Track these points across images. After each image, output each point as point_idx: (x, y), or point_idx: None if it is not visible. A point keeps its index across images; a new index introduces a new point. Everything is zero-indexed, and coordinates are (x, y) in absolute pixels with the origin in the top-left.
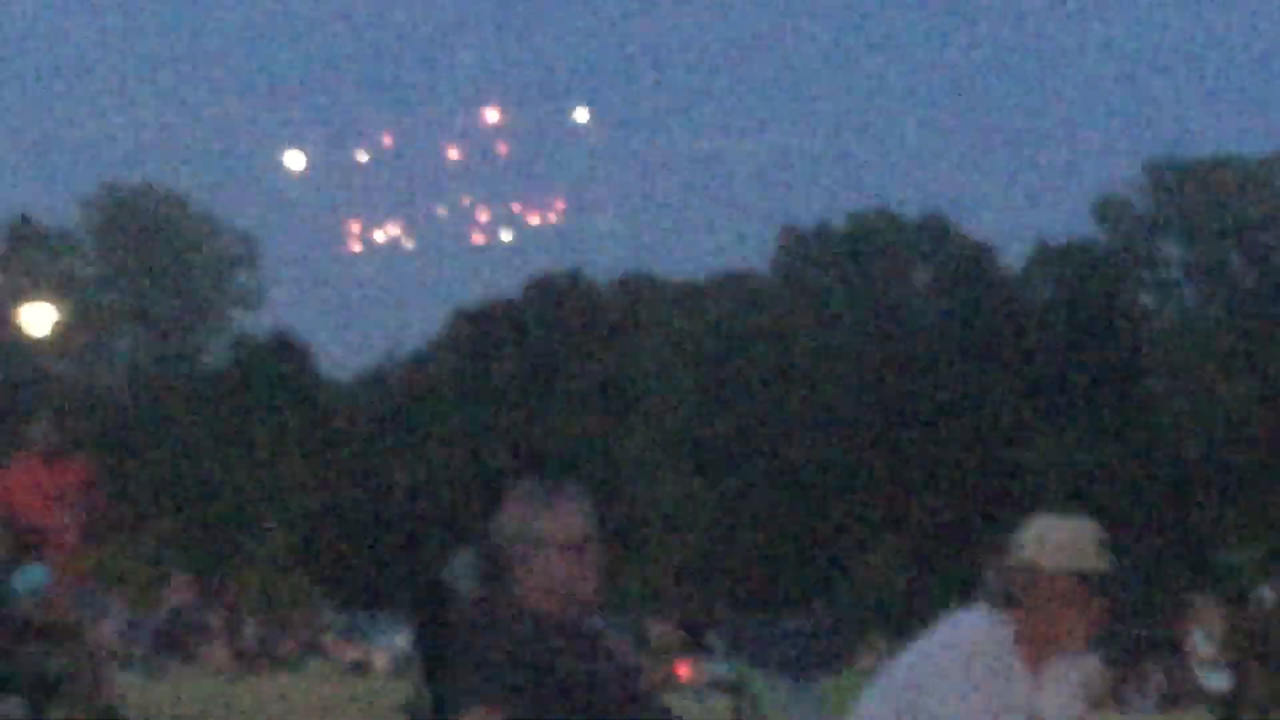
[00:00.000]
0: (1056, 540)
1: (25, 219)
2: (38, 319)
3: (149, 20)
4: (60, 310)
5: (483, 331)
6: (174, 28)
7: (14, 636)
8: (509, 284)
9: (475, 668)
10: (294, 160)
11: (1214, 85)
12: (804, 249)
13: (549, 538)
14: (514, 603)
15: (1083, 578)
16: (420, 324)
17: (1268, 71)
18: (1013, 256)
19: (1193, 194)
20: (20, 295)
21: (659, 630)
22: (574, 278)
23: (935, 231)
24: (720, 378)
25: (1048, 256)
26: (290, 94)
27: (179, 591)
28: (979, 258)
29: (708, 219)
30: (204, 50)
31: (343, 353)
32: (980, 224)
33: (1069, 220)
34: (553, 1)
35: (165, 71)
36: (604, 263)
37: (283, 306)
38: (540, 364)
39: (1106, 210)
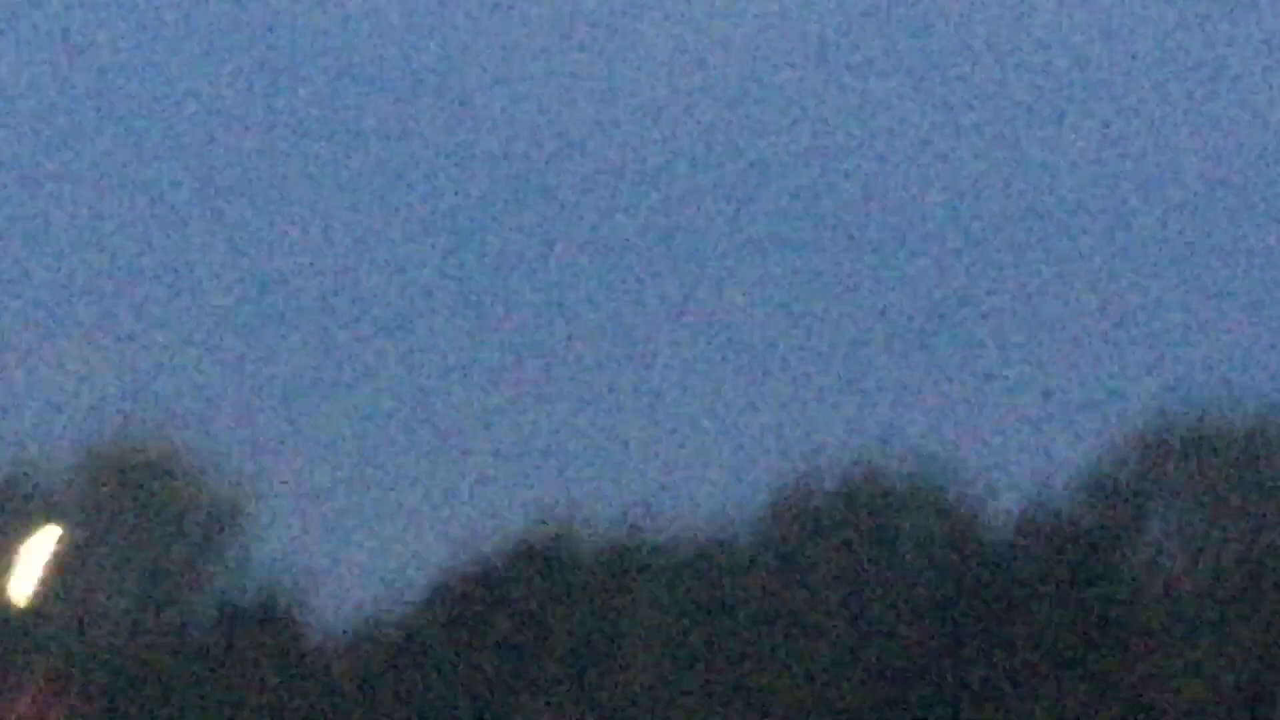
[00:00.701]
0: None
1: (13, 473)
2: (27, 576)
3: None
4: (47, 569)
5: (468, 598)
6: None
7: None
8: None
9: None
10: None
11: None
12: (791, 513)
13: None
14: None
15: None
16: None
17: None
18: (1003, 523)
19: (1186, 465)
20: (9, 550)
21: None
22: (560, 541)
23: (922, 498)
24: (710, 647)
25: (1038, 522)
26: None
27: None
28: (967, 526)
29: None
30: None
31: (335, 607)
32: (969, 489)
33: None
34: None
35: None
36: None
37: (273, 559)
38: (528, 629)
39: (1096, 486)
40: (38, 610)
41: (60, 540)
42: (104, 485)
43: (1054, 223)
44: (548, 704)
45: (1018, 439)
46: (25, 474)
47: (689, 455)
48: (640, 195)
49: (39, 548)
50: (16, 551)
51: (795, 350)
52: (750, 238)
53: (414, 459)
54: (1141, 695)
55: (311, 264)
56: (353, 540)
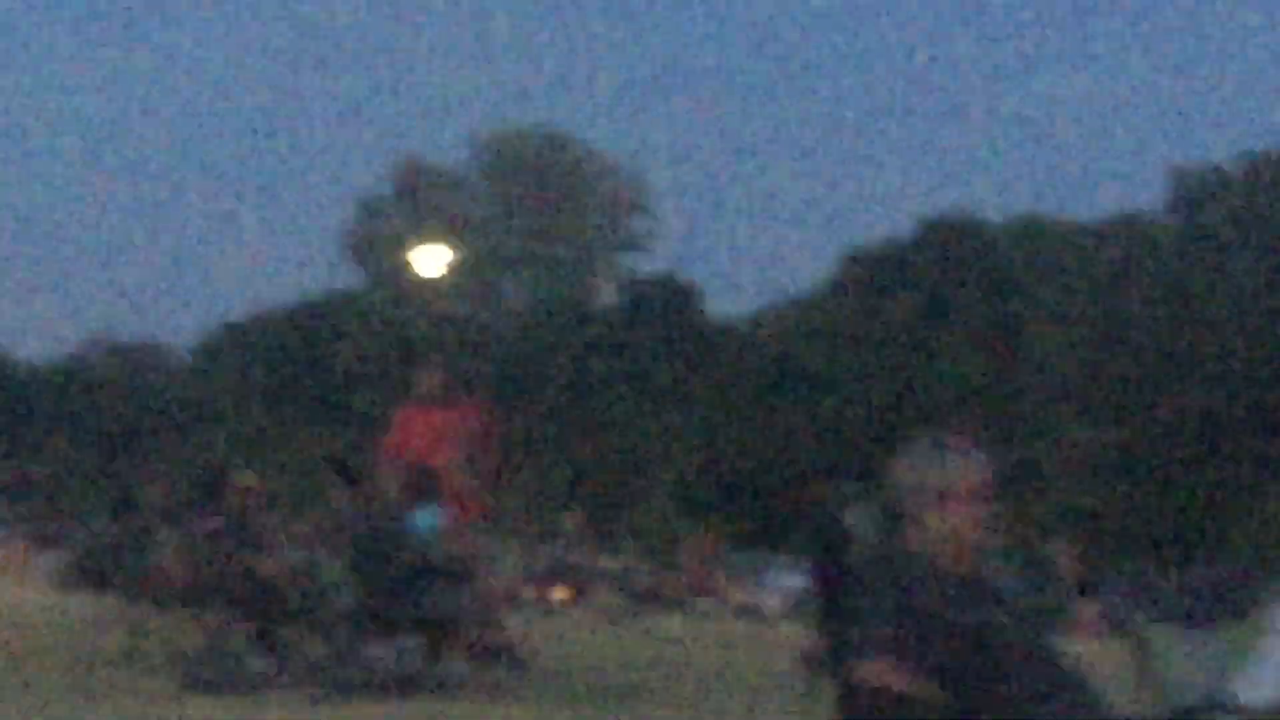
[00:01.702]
0: None
1: (418, 158)
2: (431, 260)
3: None
4: (453, 250)
5: (875, 273)
6: None
7: (411, 577)
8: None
9: (874, 618)
10: None
11: None
12: (1197, 190)
13: (947, 490)
14: (912, 553)
15: None
16: (811, 267)
17: None
18: None
19: None
20: (414, 237)
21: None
22: (966, 218)
23: None
24: (1114, 322)
25: None
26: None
27: (570, 531)
28: None
29: (1097, 161)
30: None
31: (732, 294)
32: None
33: None
34: None
35: (562, 11)
36: (995, 204)
37: (674, 245)
38: (932, 307)
39: None
40: (440, 297)
41: (459, 234)
42: (506, 169)
43: None
44: (950, 378)
45: None
46: (427, 164)
47: (1091, 135)
48: None
49: (434, 255)
50: (421, 241)
51: (1195, 30)
52: None
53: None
54: None
55: None
56: (757, 220)
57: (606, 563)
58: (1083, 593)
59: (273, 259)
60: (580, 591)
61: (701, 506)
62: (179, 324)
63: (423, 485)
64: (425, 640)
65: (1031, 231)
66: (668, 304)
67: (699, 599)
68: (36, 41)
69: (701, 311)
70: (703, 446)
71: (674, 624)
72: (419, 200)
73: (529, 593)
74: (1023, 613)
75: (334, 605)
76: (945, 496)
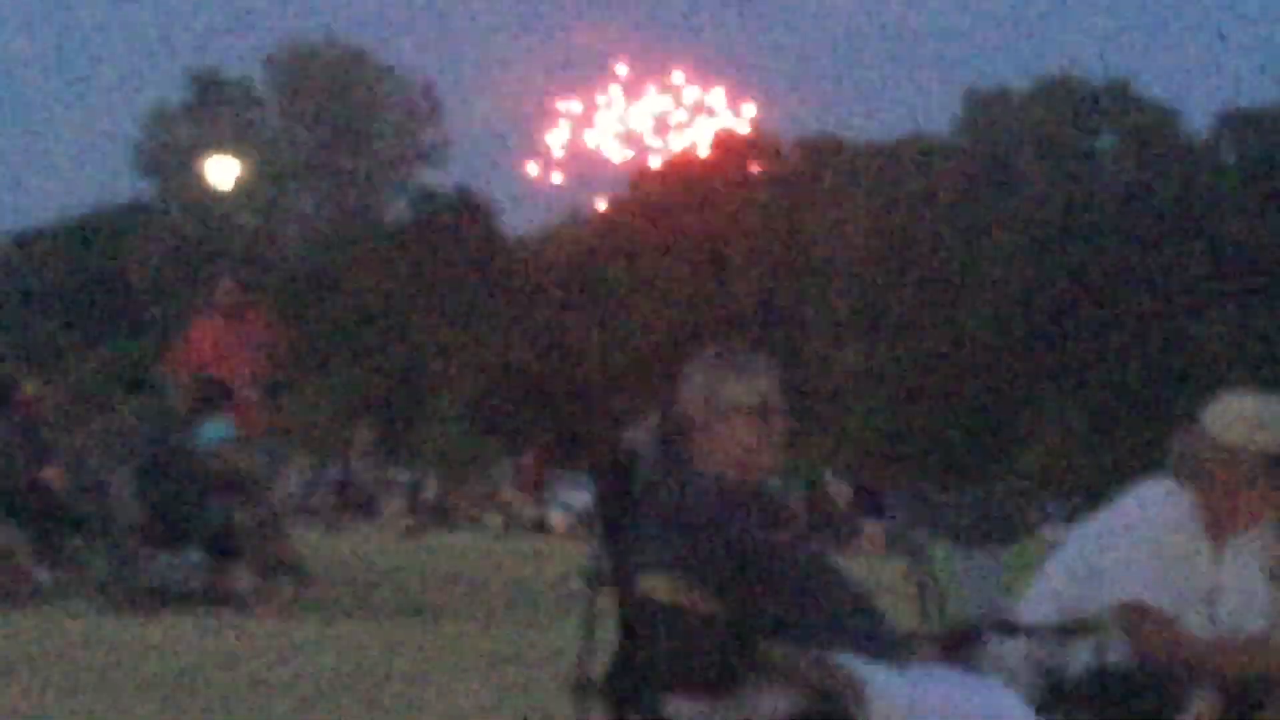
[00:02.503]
0: (1246, 418)
1: (210, 72)
2: (221, 172)
3: None
4: (243, 164)
5: (664, 188)
6: None
7: (197, 488)
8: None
9: (656, 533)
10: None
11: None
12: (987, 112)
13: (733, 404)
14: (696, 469)
15: (1271, 456)
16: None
17: None
18: (1200, 122)
19: None
20: (204, 149)
21: (837, 491)
22: (759, 136)
23: (1120, 96)
24: (902, 241)
25: (1235, 121)
26: None
27: (360, 446)
28: (1165, 122)
29: (889, 82)
30: None
31: (527, 208)
32: (1167, 88)
33: (1258, 85)
34: None
35: None
36: (785, 122)
37: (466, 159)
38: (724, 223)
39: None
40: (231, 210)
41: (252, 147)
42: (298, 82)
43: None
44: (741, 296)
45: (1212, 40)
46: (222, 73)
47: (885, 59)
48: None
49: (225, 168)
50: (212, 154)
51: None
52: None
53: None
54: None
55: None
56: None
57: (397, 477)
58: (866, 512)
59: (63, 170)
60: (369, 507)
61: (494, 421)
62: None
63: (211, 397)
64: (211, 554)
65: (822, 149)
66: (460, 216)
67: (488, 514)
68: None
69: (493, 225)
70: (495, 361)
71: (462, 539)
72: (210, 114)
73: (320, 505)
74: (805, 528)
75: (120, 517)
76: (731, 411)
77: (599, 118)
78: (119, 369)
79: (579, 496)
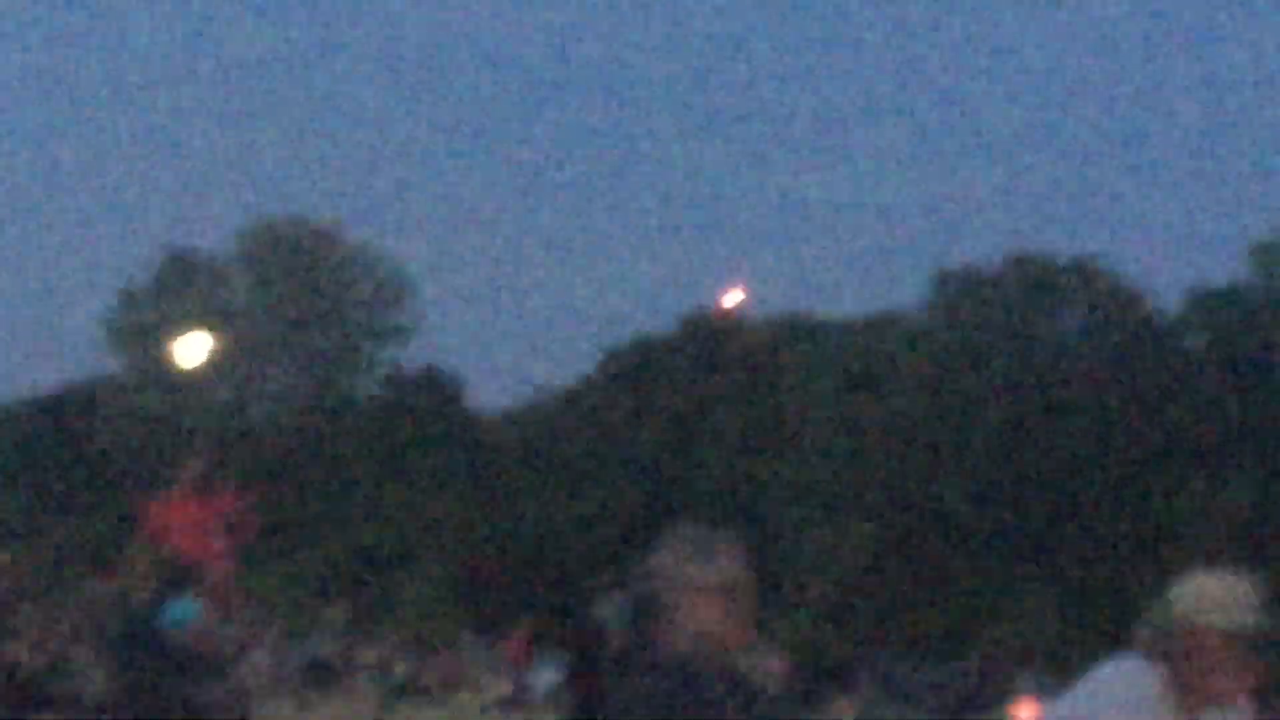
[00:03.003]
0: (1211, 597)
1: (181, 249)
2: (192, 349)
3: (303, 50)
4: (214, 341)
5: (636, 366)
6: (327, 56)
7: (165, 667)
8: (663, 320)
9: (625, 710)
10: None
11: None
12: (956, 290)
13: (702, 583)
14: (665, 646)
15: (1237, 634)
16: (574, 359)
17: None
18: (1167, 300)
19: None
20: (175, 326)
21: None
22: (725, 313)
23: (1087, 274)
24: (872, 416)
25: (1202, 301)
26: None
27: (330, 623)
28: (1131, 301)
29: (864, 263)
30: (359, 79)
31: (496, 386)
32: (1133, 267)
33: (1225, 264)
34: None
35: (324, 101)
36: (759, 302)
37: (437, 335)
38: (692, 402)
39: (1263, 254)
40: (201, 387)
41: (222, 324)
42: (269, 260)
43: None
44: (713, 475)
45: (1184, 216)
46: (192, 250)
47: (855, 236)
48: None
49: (195, 344)
50: (182, 331)
51: (961, 137)
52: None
53: (580, 233)
54: None
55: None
56: (519, 314)
57: (367, 654)
58: (838, 685)
59: (33, 346)
60: (340, 684)
61: (461, 599)
62: None
63: (179, 576)
64: None
65: (792, 328)
66: (428, 395)
67: (458, 691)
68: None
69: (461, 404)
70: (463, 539)
71: (432, 716)
72: (181, 289)
73: (290, 682)
74: (774, 707)
75: (88, 695)
76: (700, 590)
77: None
78: (88, 545)
79: (550, 671)
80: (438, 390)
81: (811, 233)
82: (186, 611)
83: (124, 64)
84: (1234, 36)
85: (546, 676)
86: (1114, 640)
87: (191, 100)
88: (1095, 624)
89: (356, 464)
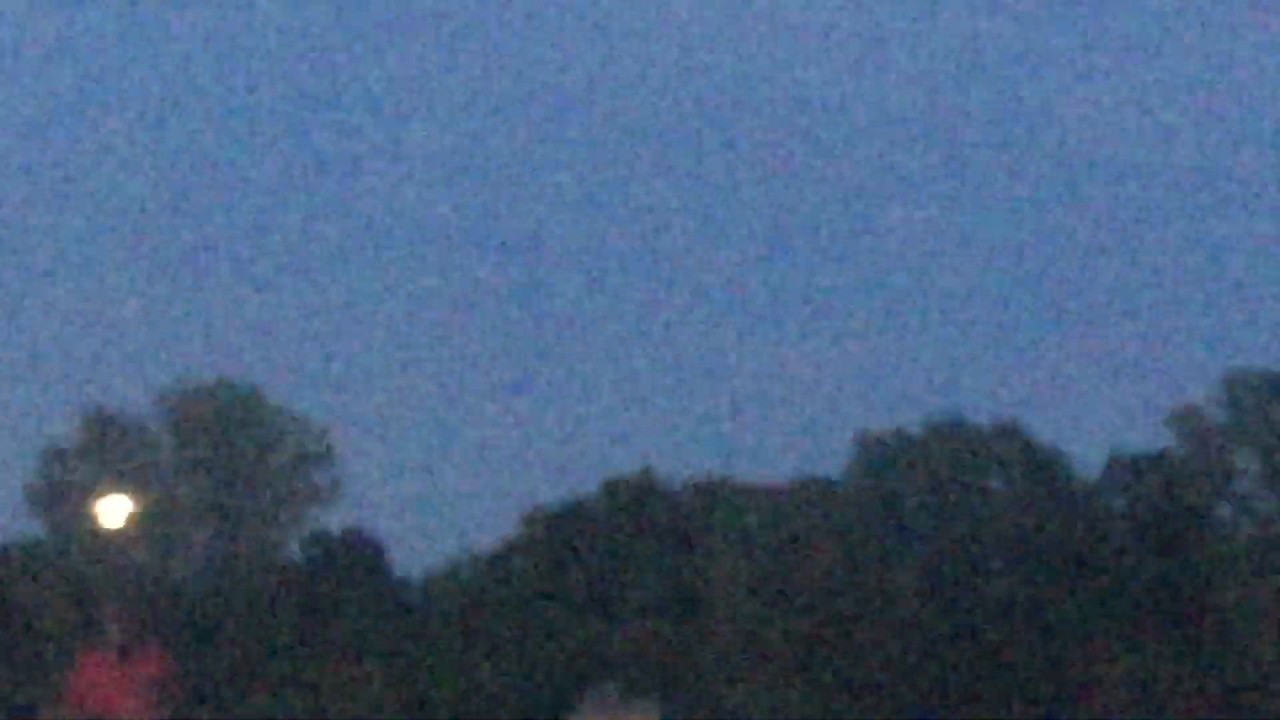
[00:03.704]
0: None
1: (103, 411)
2: (113, 511)
3: (220, 212)
4: (136, 502)
5: (557, 530)
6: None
7: None
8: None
9: None
10: None
11: None
12: (879, 455)
13: None
14: None
15: None
16: (495, 521)
17: None
18: (1087, 465)
19: (1270, 406)
20: (97, 487)
21: None
22: (648, 478)
23: (1010, 439)
24: (793, 582)
25: (1122, 466)
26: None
27: None
28: (1054, 465)
29: (784, 426)
30: (279, 239)
31: (418, 546)
32: (1054, 430)
33: (1144, 428)
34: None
35: (245, 262)
36: (676, 465)
37: (359, 496)
38: (614, 565)
39: (1182, 422)
40: (123, 547)
41: (144, 485)
42: (191, 422)
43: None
44: (633, 640)
45: (1102, 384)
46: (111, 416)
47: (776, 401)
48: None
49: (117, 506)
50: (103, 492)
51: (882, 303)
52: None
53: (500, 398)
54: (1226, 639)
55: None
56: (440, 476)
57: None
58: None
59: None
60: None
61: None
62: None
63: None
64: None
65: (713, 492)
66: (352, 557)
67: None
68: None
69: (386, 566)
70: (386, 704)
71: None
72: (102, 450)
73: None
74: None
75: None
76: None
77: None
78: (8, 707)
79: None
80: (361, 552)
81: (732, 396)
82: None
83: (46, 217)
84: (1151, 202)
85: None
86: None
87: (115, 258)
88: None
89: (279, 625)
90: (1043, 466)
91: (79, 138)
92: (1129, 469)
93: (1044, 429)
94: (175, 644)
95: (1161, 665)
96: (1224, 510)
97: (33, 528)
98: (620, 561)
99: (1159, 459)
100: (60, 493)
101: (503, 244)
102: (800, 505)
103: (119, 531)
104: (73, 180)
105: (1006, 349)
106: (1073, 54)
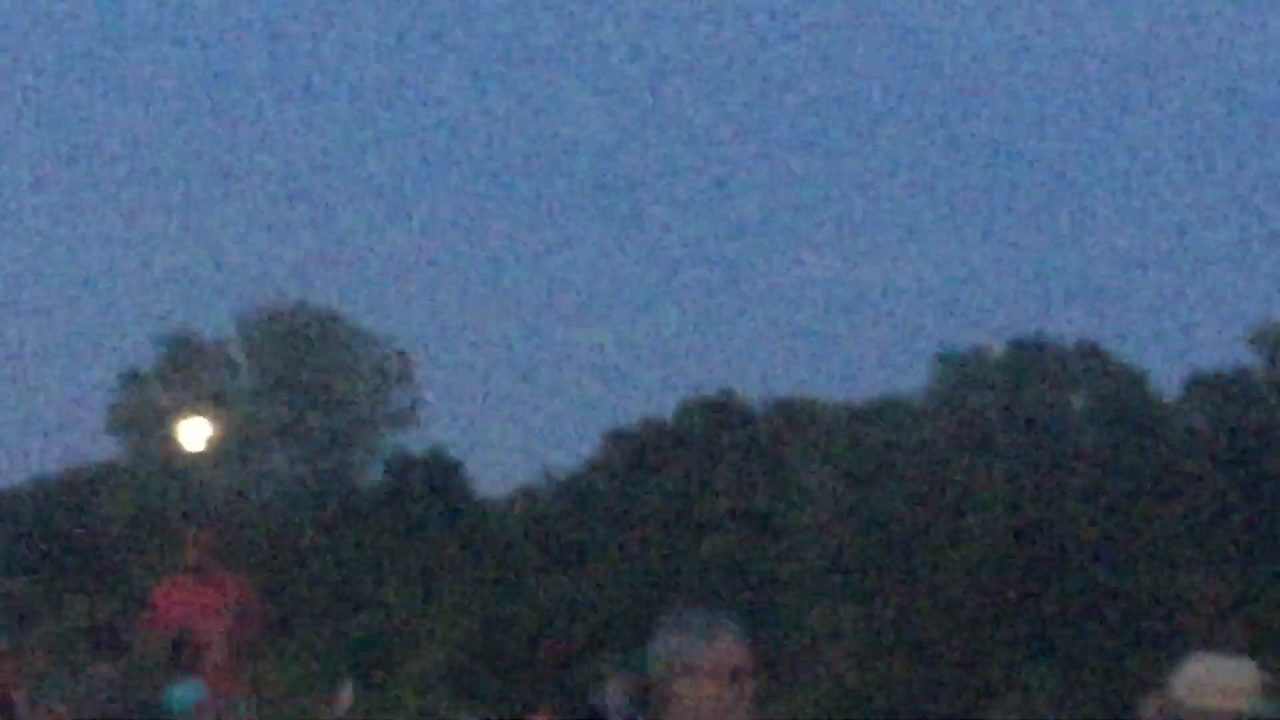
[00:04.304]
0: (1213, 681)
1: (183, 335)
2: (194, 434)
3: (300, 139)
4: (216, 426)
5: (636, 451)
6: (326, 147)
7: None
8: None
9: None
10: None
11: None
12: (959, 374)
13: (704, 668)
14: None
15: (1239, 718)
16: (578, 444)
17: None
18: (1169, 384)
19: None
20: (178, 410)
21: None
22: (727, 399)
23: (1091, 359)
24: (874, 502)
25: (1203, 384)
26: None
27: (338, 709)
28: (1134, 385)
29: (864, 345)
30: (358, 166)
31: (498, 469)
32: (1136, 351)
33: (1226, 348)
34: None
35: (323, 187)
36: (759, 385)
37: (438, 420)
38: (693, 485)
39: (1263, 338)
40: (203, 471)
41: (224, 409)
42: (271, 345)
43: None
44: (713, 559)
45: (1185, 301)
46: (194, 334)
47: (858, 321)
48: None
49: (197, 430)
50: (184, 416)
51: (964, 222)
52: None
53: (580, 321)
54: None
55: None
56: (524, 398)
57: None
58: None
59: (36, 430)
60: None
61: (462, 680)
62: None
63: (184, 658)
64: None
65: (793, 413)
66: (432, 480)
67: None
68: None
69: (466, 488)
70: (468, 623)
71: None
72: (183, 374)
73: None
74: None
75: None
76: (702, 674)
77: None
78: (90, 629)
79: None
80: (441, 475)
81: (812, 317)
82: (189, 694)
83: (127, 148)
84: (1236, 129)
85: None
86: None
87: (197, 185)
88: (1098, 706)
89: (360, 548)
90: (1124, 385)
91: (161, 58)
92: (1209, 387)
93: (1125, 350)
94: (255, 566)
95: (1243, 584)
96: None
97: (115, 451)
98: (699, 482)
99: (1239, 378)
100: (141, 416)
101: (577, 167)
102: (880, 424)
103: (199, 454)
104: (149, 102)
105: (1088, 268)
106: None
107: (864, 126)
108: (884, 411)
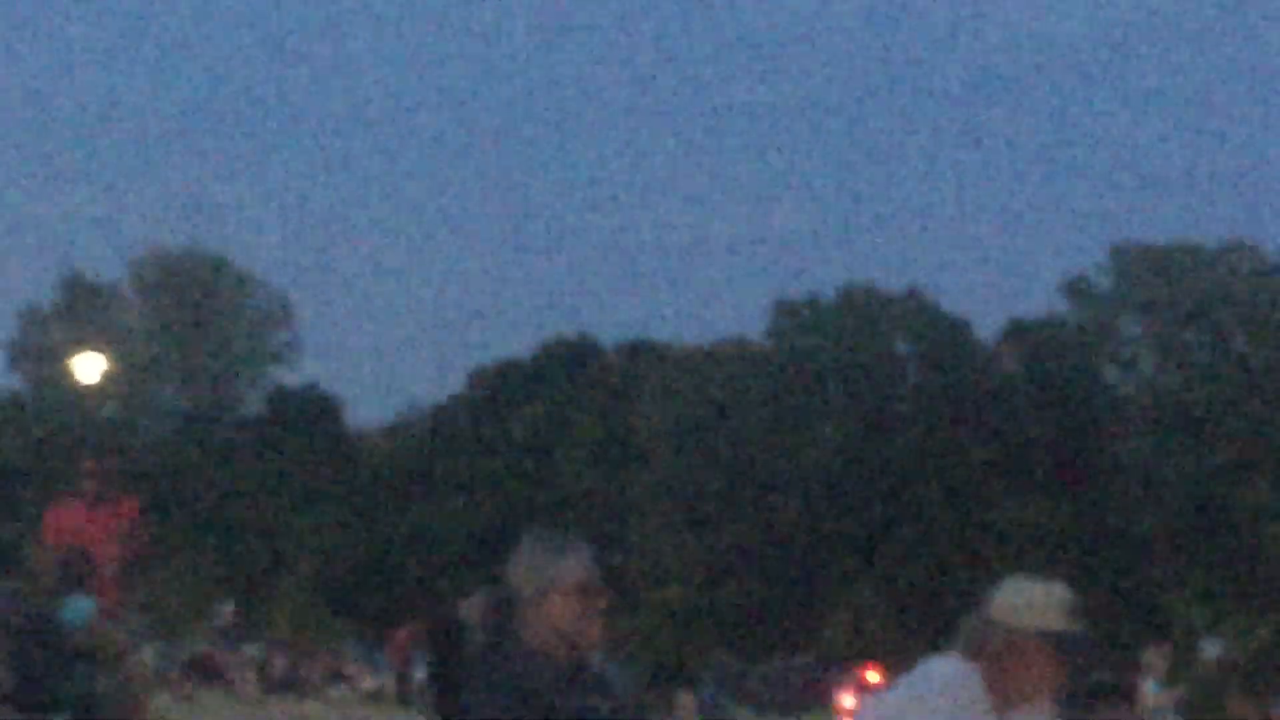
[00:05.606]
0: (1027, 602)
1: (79, 276)
2: (88, 368)
3: (196, 86)
4: (109, 361)
5: (499, 388)
6: (224, 93)
7: (64, 659)
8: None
9: (484, 704)
10: None
11: (1176, 176)
12: (796, 319)
13: (558, 583)
14: (523, 643)
15: (1049, 636)
16: (443, 378)
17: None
18: (988, 330)
19: (1153, 276)
20: (73, 346)
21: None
22: (583, 340)
23: (916, 305)
24: (715, 437)
25: (1019, 330)
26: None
27: (216, 623)
28: (956, 330)
29: (710, 292)
30: (247, 114)
31: (370, 403)
32: (957, 298)
33: (1039, 297)
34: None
35: (212, 135)
36: (613, 328)
37: (316, 356)
38: (551, 420)
39: (1074, 289)
40: (95, 403)
41: (116, 346)
42: (161, 286)
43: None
44: (567, 492)
45: (1003, 254)
46: (86, 280)
47: (700, 269)
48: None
49: (91, 364)
50: (78, 351)
51: (799, 172)
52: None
53: (450, 263)
54: (1111, 489)
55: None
56: (395, 338)
57: (251, 652)
58: (682, 683)
59: None
60: (223, 679)
61: (336, 600)
62: None
63: (78, 573)
64: (75, 718)
65: (642, 354)
66: (309, 412)
67: (332, 685)
68: None
69: (340, 419)
70: (340, 545)
71: (309, 709)
72: (78, 313)
73: (174, 676)
74: (624, 701)
75: None
76: (556, 590)
77: None
78: None
79: (419, 667)
80: (317, 407)
81: (663, 266)
82: (82, 610)
83: (27, 92)
84: (1057, 84)
85: (417, 670)
86: (940, 640)
87: (97, 132)
88: (923, 625)
89: (240, 476)
90: (946, 331)
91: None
92: (1025, 333)
93: (948, 297)
94: (144, 491)
95: (1050, 512)
96: (1110, 372)
97: (14, 383)
98: (557, 417)
99: (1052, 324)
100: (39, 351)
101: (453, 101)
102: (724, 365)
103: (93, 387)
104: (50, 50)
105: (913, 222)
106: None
107: (717, 95)
108: (727, 353)
